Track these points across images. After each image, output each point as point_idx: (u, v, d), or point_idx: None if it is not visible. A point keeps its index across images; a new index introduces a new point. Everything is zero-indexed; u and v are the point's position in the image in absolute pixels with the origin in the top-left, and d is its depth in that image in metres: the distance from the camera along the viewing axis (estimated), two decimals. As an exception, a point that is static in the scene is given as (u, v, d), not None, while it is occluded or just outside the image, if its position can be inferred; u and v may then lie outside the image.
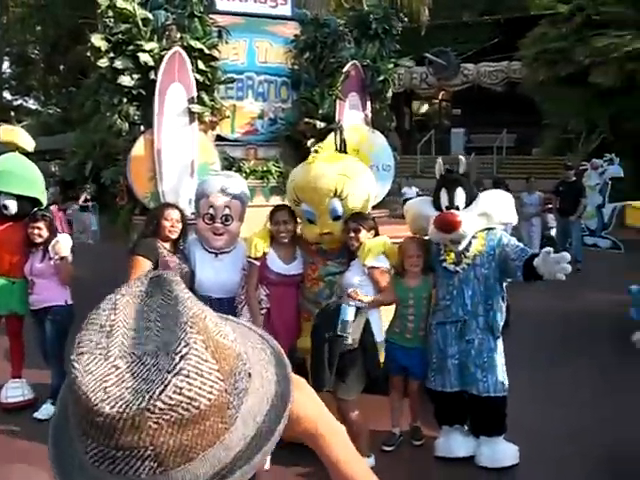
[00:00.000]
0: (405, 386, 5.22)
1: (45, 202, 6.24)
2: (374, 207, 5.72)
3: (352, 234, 4.74)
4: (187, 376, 0.83)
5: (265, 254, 4.96)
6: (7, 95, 38.30)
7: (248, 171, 8.14)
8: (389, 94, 8.93)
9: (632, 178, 16.29)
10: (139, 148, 7.15)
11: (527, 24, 20.62)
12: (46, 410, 5.64)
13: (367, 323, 4.54)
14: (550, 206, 13.28)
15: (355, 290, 4.54)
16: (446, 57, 23.77)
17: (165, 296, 0.93)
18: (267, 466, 3.86)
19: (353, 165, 5.13)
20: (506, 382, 4.79)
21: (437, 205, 4.87)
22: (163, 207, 5.17)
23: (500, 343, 4.84)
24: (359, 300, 4.50)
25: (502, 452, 4.78)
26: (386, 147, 8.31)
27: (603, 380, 6.39)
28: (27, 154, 6.32)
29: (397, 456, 5.06)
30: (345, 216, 4.87)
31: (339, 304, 4.46)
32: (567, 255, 4.31)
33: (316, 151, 5.07)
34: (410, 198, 17.65)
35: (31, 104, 38.72)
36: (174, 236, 5.00)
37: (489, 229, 4.84)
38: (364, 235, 4.72)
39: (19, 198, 5.92)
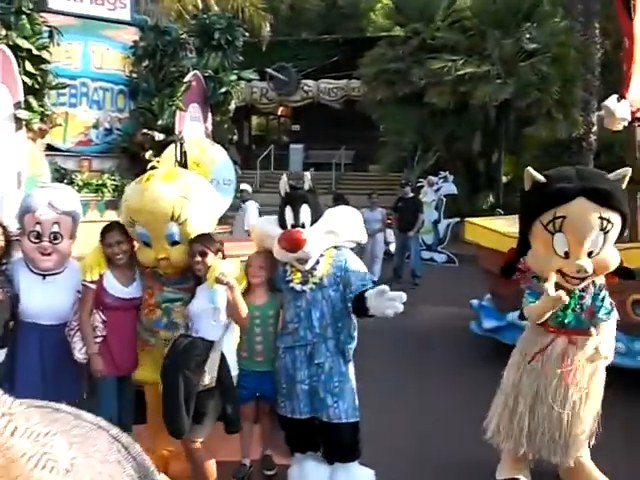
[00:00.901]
0: (256, 412, 4.97)
1: None
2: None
3: (198, 258, 4.29)
4: None
5: (101, 276, 4.53)
6: None
7: (81, 184, 7.67)
8: (231, 106, 8.78)
9: (465, 194, 17.09)
10: (-43, 156, 6.53)
11: (365, 44, 21.12)
12: None
13: (223, 358, 4.20)
14: (389, 222, 13.57)
15: (223, 272, 4.12)
16: (287, 73, 23.95)
17: None
18: None
19: (193, 184, 4.75)
20: (357, 406, 4.67)
21: (282, 223, 4.68)
22: None
23: (351, 367, 4.70)
24: (227, 283, 4.06)
25: (358, 477, 4.63)
26: (227, 161, 8.10)
27: (455, 391, 6.43)
28: None
29: None
30: (184, 240, 4.52)
31: (190, 339, 4.12)
32: (403, 295, 4.20)
33: (152, 167, 4.67)
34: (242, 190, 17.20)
35: None
36: None
37: (337, 247, 4.72)
38: (211, 258, 4.31)
39: None
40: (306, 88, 24.74)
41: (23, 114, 6.80)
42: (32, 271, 4.58)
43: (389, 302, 4.17)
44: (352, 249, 4.90)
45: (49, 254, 4.50)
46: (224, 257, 4.42)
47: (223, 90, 8.43)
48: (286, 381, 4.65)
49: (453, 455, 5.22)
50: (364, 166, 25.69)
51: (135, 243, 4.69)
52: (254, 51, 18.20)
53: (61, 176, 7.39)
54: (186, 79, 8.11)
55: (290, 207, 4.64)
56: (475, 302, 8.12)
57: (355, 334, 4.71)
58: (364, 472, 4.68)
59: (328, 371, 4.58)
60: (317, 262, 4.58)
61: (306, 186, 4.71)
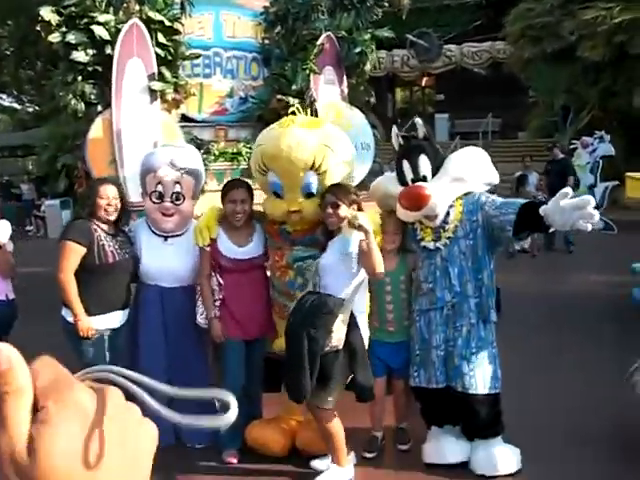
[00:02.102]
0: (389, 384, 4.65)
1: None
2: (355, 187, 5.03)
3: (330, 210, 3.96)
4: None
5: (214, 240, 4.32)
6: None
7: (217, 153, 7.62)
8: (367, 67, 8.42)
9: (623, 155, 15.82)
10: (97, 130, 6.61)
11: (510, 3, 20.12)
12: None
13: (352, 318, 3.87)
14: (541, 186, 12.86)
15: (356, 216, 3.74)
16: (428, 38, 23.26)
17: None
18: None
19: (336, 134, 4.36)
20: (499, 376, 4.22)
21: (402, 180, 4.27)
22: (98, 183, 4.50)
23: (492, 331, 4.26)
24: (360, 226, 3.66)
25: (500, 457, 4.18)
26: (365, 125, 7.78)
27: (610, 365, 5.76)
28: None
29: (380, 463, 4.47)
30: (319, 191, 4.17)
31: (317, 296, 3.82)
32: (590, 199, 3.51)
33: (293, 113, 4.35)
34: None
35: (8, 102, 37.97)
36: (112, 216, 4.36)
37: (467, 194, 4.24)
38: (344, 210, 3.94)
39: None
40: (448, 53, 23.91)
41: (157, 85, 6.80)
42: (154, 232, 4.49)
43: (578, 212, 3.48)
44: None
45: (171, 215, 4.39)
46: (360, 209, 4.07)
47: (357, 50, 8.09)
48: (420, 347, 4.27)
49: (603, 432, 4.67)
50: (512, 133, 24.67)
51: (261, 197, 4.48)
52: (394, 20, 17.75)
53: (197, 146, 7.32)
54: (319, 42, 7.83)
55: (407, 160, 4.22)
56: (638, 265, 7.37)
57: (495, 291, 4.27)
58: (508, 450, 4.21)
59: (466, 335, 4.14)
60: (447, 214, 4.15)
61: (420, 134, 4.25)
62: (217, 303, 4.33)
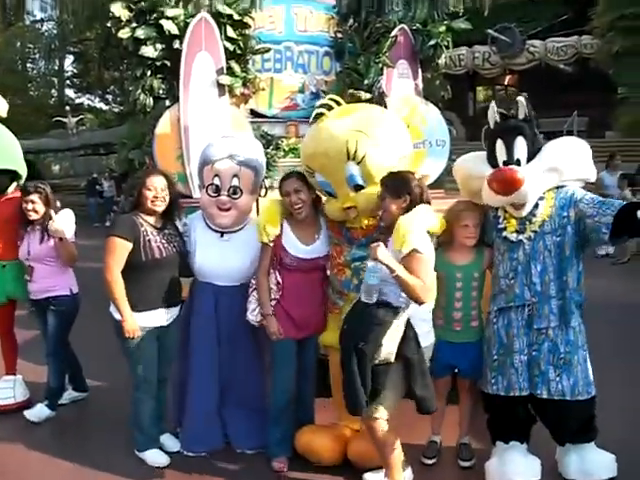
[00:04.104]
0: (452, 387, 4.34)
1: (24, 174, 5.40)
2: (429, 186, 4.60)
3: (381, 204, 3.71)
4: None
5: (280, 234, 4.11)
6: (71, 93, 38.78)
7: (287, 149, 7.48)
8: (441, 61, 8.13)
9: None
10: (164, 125, 6.57)
11: (598, -5, 19.32)
12: (38, 412, 5.01)
13: (409, 328, 3.61)
14: (632, 188, 12.20)
15: (379, 244, 3.44)
16: (510, 33, 22.57)
17: None
18: None
19: (373, 116, 4.02)
20: (591, 381, 3.84)
21: (492, 161, 3.93)
22: (145, 174, 4.30)
23: (582, 333, 3.87)
24: (375, 259, 3.38)
25: (594, 462, 3.82)
26: (440, 120, 7.51)
27: None
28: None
29: None
30: (369, 183, 3.85)
31: (370, 305, 3.51)
32: None
33: (329, 107, 4.06)
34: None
35: (96, 102, 39.13)
36: (159, 208, 4.17)
37: (559, 187, 3.90)
38: (396, 205, 3.60)
39: None
40: (532, 49, 23.11)
41: (225, 79, 6.71)
42: (210, 228, 4.32)
43: None
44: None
45: (227, 209, 4.19)
46: (423, 201, 3.67)
47: (432, 43, 7.82)
48: (499, 351, 3.91)
49: None
50: (599, 133, 23.70)
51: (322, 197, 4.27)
52: (476, 17, 17.29)
53: (267, 142, 7.22)
54: (392, 34, 7.61)
55: (502, 140, 3.86)
56: None
57: (583, 292, 3.90)
58: (602, 456, 3.83)
59: (553, 338, 3.80)
60: (536, 206, 3.80)
61: (521, 114, 3.90)
62: (273, 303, 4.13)
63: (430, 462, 4.18)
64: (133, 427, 4.35)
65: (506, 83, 29.65)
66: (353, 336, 3.51)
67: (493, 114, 3.95)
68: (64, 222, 4.77)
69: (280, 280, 4.10)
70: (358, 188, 3.87)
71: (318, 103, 4.07)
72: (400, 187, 3.62)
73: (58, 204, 4.99)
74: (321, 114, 3.96)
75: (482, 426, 4.20)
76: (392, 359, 3.54)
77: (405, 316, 3.58)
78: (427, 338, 3.78)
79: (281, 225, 4.12)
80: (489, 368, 3.98)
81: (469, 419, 4.35)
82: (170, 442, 4.48)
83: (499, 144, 3.86)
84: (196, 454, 4.38)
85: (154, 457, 4.29)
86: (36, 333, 5.51)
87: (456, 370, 4.23)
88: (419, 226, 3.52)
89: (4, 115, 5.44)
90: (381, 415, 3.56)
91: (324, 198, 4.17)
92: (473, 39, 21.00)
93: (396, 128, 4.05)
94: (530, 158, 3.81)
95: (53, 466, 4.36)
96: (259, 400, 4.51)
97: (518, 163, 3.79)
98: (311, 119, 4.03)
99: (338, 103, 4.05)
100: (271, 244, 4.06)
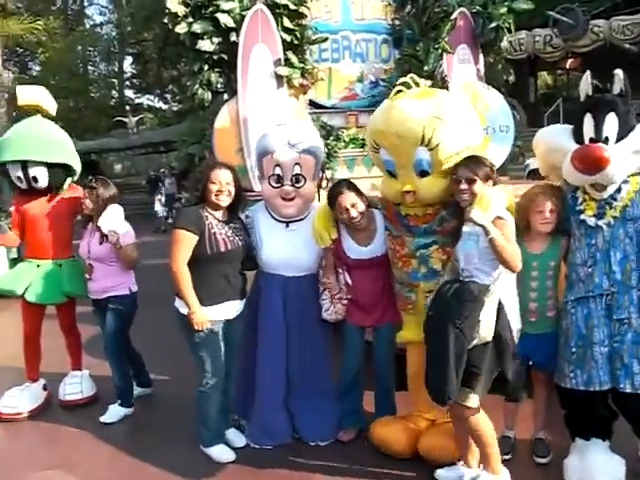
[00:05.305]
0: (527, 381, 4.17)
1: (79, 169, 5.38)
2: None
3: (464, 185, 3.54)
4: None
5: (338, 238, 4.11)
6: (130, 94, 39.51)
7: (347, 140, 7.39)
8: (504, 44, 7.89)
9: None
10: (223, 119, 6.55)
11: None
12: (114, 413, 5.03)
13: (500, 307, 3.45)
14: None
15: (473, 207, 3.37)
16: (573, 14, 21.81)
17: None
18: None
19: (451, 103, 3.84)
20: None
21: (578, 136, 3.67)
22: (210, 167, 4.21)
23: None
24: (474, 220, 3.30)
25: None
26: (503, 105, 7.23)
27: None
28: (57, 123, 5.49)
29: (515, 477, 3.79)
30: (435, 171, 3.73)
31: (459, 284, 3.42)
32: None
33: (404, 84, 3.90)
34: (535, 169, 16.33)
35: (155, 101, 39.77)
36: (224, 202, 4.09)
37: None
38: (479, 187, 3.52)
39: (49, 167, 5.10)
40: (595, 29, 22.29)
41: (283, 71, 6.65)
42: (274, 218, 4.25)
43: None
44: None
45: (292, 199, 4.12)
46: (495, 184, 3.61)
47: (493, 25, 7.60)
48: (578, 343, 3.67)
49: None
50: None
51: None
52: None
53: (327, 133, 7.14)
54: (452, 18, 7.42)
55: (591, 115, 3.62)
56: None
57: None
58: None
59: (637, 329, 3.58)
60: (618, 190, 3.57)
61: (616, 89, 3.67)
62: (344, 301, 4.15)
63: (506, 458, 4.01)
64: (199, 422, 4.33)
65: (568, 67, 28.87)
66: (446, 317, 3.36)
67: (586, 86, 3.72)
68: (111, 219, 4.70)
69: (349, 281, 4.09)
70: (423, 174, 3.74)
71: (400, 80, 3.91)
72: (487, 172, 3.56)
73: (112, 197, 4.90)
74: (399, 91, 3.81)
75: (557, 420, 4.03)
76: (490, 337, 3.39)
77: (497, 295, 3.44)
78: (516, 321, 3.60)
79: (337, 229, 4.13)
80: (567, 361, 3.77)
81: (544, 413, 4.18)
82: (235, 437, 4.45)
83: (587, 119, 3.63)
84: (263, 447, 4.36)
85: (220, 453, 4.27)
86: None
87: (530, 362, 4.05)
88: (499, 200, 3.47)
89: (53, 113, 5.45)
90: (473, 403, 3.44)
91: (382, 179, 4.06)
92: (534, 22, 20.49)
93: (471, 118, 3.89)
94: (620, 138, 3.59)
95: (119, 461, 4.38)
96: (328, 390, 4.48)
97: (606, 141, 3.57)
98: (390, 96, 3.88)
99: (417, 84, 3.90)
100: (331, 246, 4.04)
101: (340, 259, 4.11)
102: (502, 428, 4.22)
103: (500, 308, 3.44)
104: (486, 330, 3.38)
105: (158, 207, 21.23)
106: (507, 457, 4.00)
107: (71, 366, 5.51)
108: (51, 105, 5.42)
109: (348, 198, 3.97)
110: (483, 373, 3.43)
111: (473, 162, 3.59)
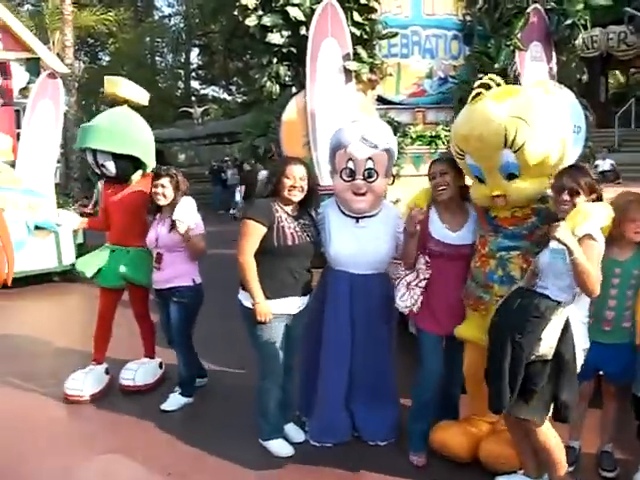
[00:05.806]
0: (594, 392, 4.04)
1: (152, 164, 5.39)
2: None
3: (566, 196, 3.38)
4: None
5: (427, 217, 3.99)
6: (196, 85, 40.02)
7: (414, 136, 7.30)
8: (578, 41, 7.68)
9: None
10: (291, 112, 6.56)
11: None
12: (174, 401, 5.07)
13: (567, 326, 3.33)
14: None
15: (559, 223, 3.19)
16: (650, 11, 21.25)
17: None
18: None
19: (534, 102, 3.62)
20: None
21: None
22: (285, 162, 4.21)
23: None
24: (558, 239, 3.14)
25: None
26: (576, 105, 7.08)
27: None
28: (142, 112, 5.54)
29: None
30: (524, 173, 3.60)
31: (528, 296, 3.33)
32: None
33: (484, 85, 3.78)
34: (605, 171, 15.92)
35: (221, 92, 40.22)
36: (296, 198, 4.08)
37: None
38: (582, 201, 3.36)
39: (116, 157, 5.13)
40: (673, 27, 21.65)
41: (352, 65, 6.62)
42: (344, 214, 4.22)
43: None
44: None
45: (363, 194, 4.08)
46: (599, 198, 3.42)
47: (568, 23, 7.39)
48: None
49: None
50: None
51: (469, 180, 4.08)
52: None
53: (394, 129, 7.05)
54: (525, 14, 7.25)
55: None
56: None
57: None
58: None
59: None
60: None
61: None
62: (421, 283, 4.00)
63: (570, 469, 3.90)
64: (258, 415, 4.33)
65: (641, 65, 28.07)
66: (508, 328, 3.30)
67: None
68: (184, 211, 4.73)
69: (429, 260, 3.98)
70: (511, 177, 3.63)
71: (477, 83, 3.81)
72: (590, 183, 3.39)
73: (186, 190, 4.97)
74: (479, 94, 3.71)
75: (625, 435, 3.90)
76: (550, 356, 3.30)
77: (565, 313, 3.33)
78: (582, 342, 3.49)
79: (428, 209, 4.03)
80: None
81: (613, 426, 4.05)
82: (294, 432, 4.44)
83: None
84: (323, 444, 4.33)
85: (279, 447, 4.26)
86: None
87: (601, 373, 3.93)
88: (598, 218, 3.30)
89: (145, 103, 5.54)
90: (531, 417, 3.38)
91: (470, 182, 3.98)
92: (607, 19, 19.95)
93: (558, 115, 3.68)
94: None
95: (178, 449, 4.41)
96: (390, 391, 4.44)
97: None
98: (469, 99, 3.80)
99: (498, 84, 3.79)
100: (417, 227, 3.90)
101: (423, 242, 4.02)
102: (567, 439, 4.11)
103: (566, 326, 3.33)
104: (547, 348, 3.28)
105: (238, 197, 21.31)
106: (570, 468, 3.90)
107: (144, 353, 5.61)
108: (141, 96, 5.52)
109: (440, 165, 3.99)
110: (539, 389, 3.33)
111: (579, 173, 3.42)
